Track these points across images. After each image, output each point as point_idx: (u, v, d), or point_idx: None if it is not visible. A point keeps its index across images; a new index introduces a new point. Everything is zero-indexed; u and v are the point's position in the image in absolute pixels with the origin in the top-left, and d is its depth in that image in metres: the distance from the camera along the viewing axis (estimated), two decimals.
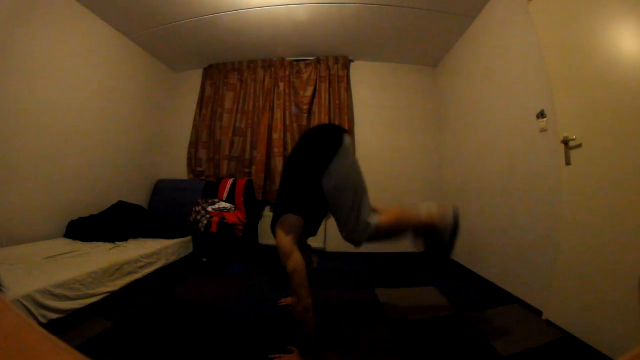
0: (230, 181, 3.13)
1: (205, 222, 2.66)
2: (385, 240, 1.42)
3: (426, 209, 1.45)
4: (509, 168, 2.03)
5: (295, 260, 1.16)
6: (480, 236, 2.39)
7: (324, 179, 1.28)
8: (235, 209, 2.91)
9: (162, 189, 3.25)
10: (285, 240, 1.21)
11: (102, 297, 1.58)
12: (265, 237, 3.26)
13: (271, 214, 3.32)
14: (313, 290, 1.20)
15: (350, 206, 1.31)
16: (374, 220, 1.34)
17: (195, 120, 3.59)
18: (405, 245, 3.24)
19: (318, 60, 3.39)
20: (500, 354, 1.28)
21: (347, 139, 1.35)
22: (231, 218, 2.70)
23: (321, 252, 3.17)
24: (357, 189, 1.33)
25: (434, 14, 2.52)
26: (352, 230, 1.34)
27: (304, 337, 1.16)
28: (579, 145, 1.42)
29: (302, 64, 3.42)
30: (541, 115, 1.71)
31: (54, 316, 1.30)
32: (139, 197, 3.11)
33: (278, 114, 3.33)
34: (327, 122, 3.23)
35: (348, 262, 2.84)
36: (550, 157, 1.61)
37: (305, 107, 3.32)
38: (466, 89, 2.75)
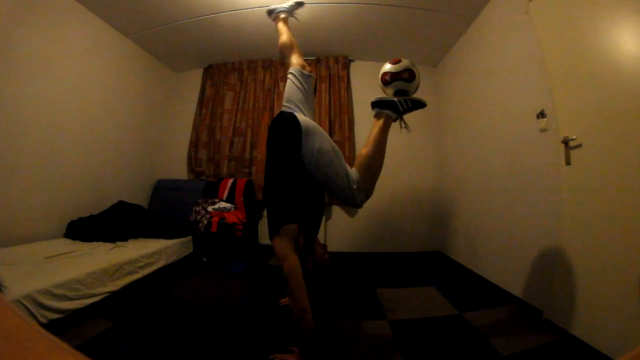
0: (230, 181, 3.13)
1: (205, 222, 2.66)
2: (375, 174, 1.41)
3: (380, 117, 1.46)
4: (509, 168, 2.03)
5: (290, 262, 1.16)
6: (480, 236, 2.39)
7: (306, 166, 1.28)
8: (236, 208, 2.91)
9: (162, 189, 3.25)
10: (279, 243, 1.21)
11: (102, 297, 1.58)
12: (265, 237, 3.25)
13: None
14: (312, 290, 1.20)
15: (340, 174, 1.32)
16: (355, 173, 1.36)
17: (195, 120, 3.59)
18: (405, 243, 3.26)
19: (318, 60, 3.39)
20: (500, 354, 1.28)
21: (300, 117, 1.34)
22: (231, 218, 2.70)
23: None
24: (335, 155, 1.33)
25: (434, 14, 2.52)
26: (352, 194, 1.34)
27: (302, 337, 1.16)
28: (579, 145, 1.42)
29: None
30: (541, 115, 1.71)
31: (54, 316, 1.30)
32: (139, 197, 3.11)
33: None
34: (326, 122, 3.23)
35: (348, 262, 2.84)
36: (550, 157, 1.61)
37: None
38: (466, 88, 2.75)
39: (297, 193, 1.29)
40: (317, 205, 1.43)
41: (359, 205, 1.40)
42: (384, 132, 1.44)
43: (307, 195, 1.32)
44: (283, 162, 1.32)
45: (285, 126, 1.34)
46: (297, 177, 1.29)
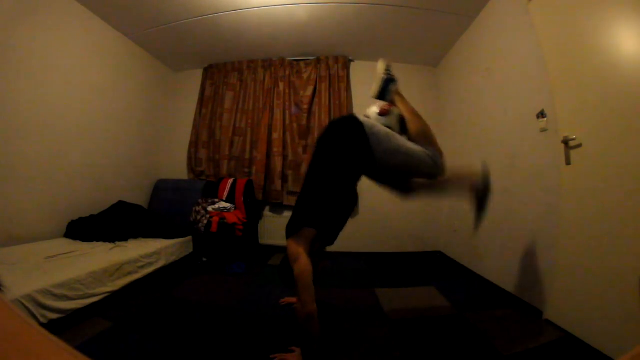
0: (230, 181, 3.13)
1: (205, 221, 2.66)
2: (432, 136, 1.44)
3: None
4: (509, 168, 2.03)
5: (301, 264, 1.16)
6: (480, 236, 2.38)
7: (378, 164, 1.27)
8: (236, 208, 2.91)
9: (162, 189, 3.25)
10: (293, 244, 1.22)
11: (102, 297, 1.58)
12: (265, 236, 3.26)
13: (271, 214, 3.32)
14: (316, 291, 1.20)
15: (411, 148, 1.33)
16: (416, 145, 1.37)
17: (195, 120, 3.59)
18: (405, 243, 3.26)
19: (318, 60, 3.39)
20: (501, 354, 1.28)
21: (361, 118, 1.34)
22: (231, 218, 2.70)
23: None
24: (395, 137, 1.33)
25: (434, 14, 2.52)
26: (432, 161, 1.34)
27: (306, 339, 1.15)
28: (579, 145, 1.42)
29: (302, 64, 3.42)
30: (541, 115, 1.71)
31: (54, 316, 1.30)
32: (139, 197, 3.11)
33: (278, 114, 3.33)
34: (326, 122, 3.22)
35: (348, 262, 2.84)
36: (551, 157, 1.61)
37: (305, 106, 3.32)
38: (466, 89, 2.75)
39: (330, 201, 1.29)
40: (343, 220, 1.44)
41: (444, 170, 1.39)
42: (406, 102, 1.50)
43: (339, 207, 1.33)
44: (333, 167, 1.30)
45: (348, 129, 1.31)
46: (339, 186, 1.29)
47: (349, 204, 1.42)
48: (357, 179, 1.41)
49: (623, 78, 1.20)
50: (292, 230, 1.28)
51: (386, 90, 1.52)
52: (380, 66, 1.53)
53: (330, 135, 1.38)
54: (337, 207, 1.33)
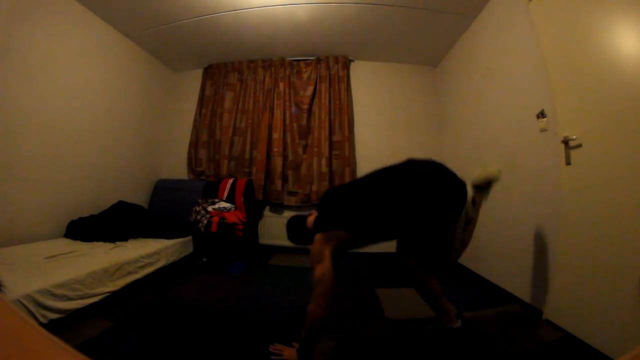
0: (230, 181, 3.13)
1: (205, 221, 2.66)
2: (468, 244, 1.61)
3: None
4: (509, 168, 2.03)
5: (325, 268, 1.15)
6: (480, 236, 2.38)
7: (438, 232, 1.34)
8: (236, 208, 2.91)
9: (162, 189, 3.25)
10: (321, 242, 1.21)
11: (102, 297, 1.58)
12: (265, 236, 3.26)
13: (271, 214, 3.32)
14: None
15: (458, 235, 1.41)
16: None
17: (195, 120, 3.59)
18: None
19: (318, 60, 3.39)
20: (500, 354, 1.28)
21: (469, 194, 1.38)
22: (231, 218, 2.70)
23: None
24: (460, 231, 1.42)
25: (434, 14, 2.52)
26: (459, 248, 1.48)
27: (308, 340, 1.14)
28: (579, 145, 1.42)
29: (302, 64, 3.43)
30: (541, 115, 1.71)
31: (54, 316, 1.30)
32: (139, 197, 3.11)
33: (278, 114, 3.33)
34: (326, 122, 3.23)
35: (348, 262, 2.84)
36: (550, 157, 1.61)
37: (305, 106, 3.32)
38: (466, 89, 2.75)
39: (384, 223, 1.28)
40: (371, 242, 1.41)
41: (451, 262, 1.51)
42: (479, 211, 1.60)
43: (385, 231, 1.34)
44: (411, 202, 1.24)
45: (455, 191, 1.30)
46: (401, 217, 1.25)
47: (389, 236, 1.40)
48: (411, 225, 1.32)
49: (623, 78, 1.20)
50: (325, 225, 1.26)
51: (485, 191, 1.61)
52: (495, 169, 1.59)
53: (437, 179, 1.30)
54: (384, 230, 1.32)
